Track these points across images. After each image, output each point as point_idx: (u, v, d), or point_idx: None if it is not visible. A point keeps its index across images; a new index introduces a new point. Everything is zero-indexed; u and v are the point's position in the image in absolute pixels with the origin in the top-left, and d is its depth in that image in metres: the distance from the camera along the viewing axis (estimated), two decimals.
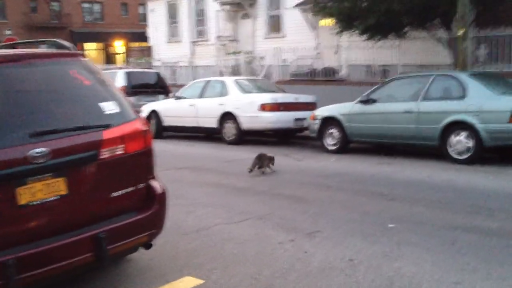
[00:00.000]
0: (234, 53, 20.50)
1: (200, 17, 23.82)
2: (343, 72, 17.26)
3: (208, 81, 13.64)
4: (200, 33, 23.96)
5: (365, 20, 13.58)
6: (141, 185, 3.92)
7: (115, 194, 3.74)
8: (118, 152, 3.72)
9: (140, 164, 3.93)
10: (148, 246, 4.05)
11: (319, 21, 19.27)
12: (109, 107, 3.82)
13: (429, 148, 9.76)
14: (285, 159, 10.19)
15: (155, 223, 3.99)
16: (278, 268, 4.29)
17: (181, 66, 23.53)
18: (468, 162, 8.88)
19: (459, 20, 11.30)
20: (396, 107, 9.89)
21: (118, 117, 3.82)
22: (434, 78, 9.68)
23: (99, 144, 3.62)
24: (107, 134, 3.69)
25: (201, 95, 13.29)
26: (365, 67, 16.67)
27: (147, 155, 3.98)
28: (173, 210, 6.29)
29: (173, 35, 25.18)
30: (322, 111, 11.20)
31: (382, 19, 13.23)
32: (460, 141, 9.00)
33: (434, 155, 9.64)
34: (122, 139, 3.76)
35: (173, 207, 6.44)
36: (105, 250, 3.54)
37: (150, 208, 3.93)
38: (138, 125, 3.94)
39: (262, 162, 8.49)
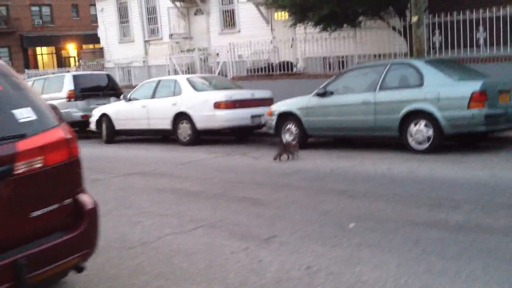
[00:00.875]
0: (188, 50, 19.95)
1: (151, 15, 23.12)
2: (299, 66, 16.95)
3: (160, 81, 13.10)
4: (153, 32, 23.28)
5: (318, 10, 13.29)
6: (68, 201, 3.45)
7: (35, 213, 3.25)
8: (36, 165, 3.24)
9: (64, 177, 3.45)
10: (80, 269, 3.57)
11: (274, 14, 18.95)
12: (24, 114, 3.33)
13: (389, 139, 9.52)
14: (242, 158, 9.80)
15: (86, 243, 3.52)
16: (230, 283, 3.88)
17: (135, 67, 22.82)
18: (429, 151, 8.67)
19: (413, 7, 11.11)
20: (353, 99, 9.60)
21: (36, 125, 3.34)
22: (390, 67, 9.43)
23: (12, 158, 3.14)
24: (21, 145, 3.20)
25: (153, 96, 12.75)
26: (322, 60, 16.40)
27: (72, 166, 3.50)
28: (118, 222, 5.85)
29: (125, 34, 24.41)
30: (279, 106, 10.84)
31: (336, 9, 12.98)
32: (420, 130, 8.77)
33: (395, 145, 9.41)
34: (40, 150, 3.28)
35: (119, 217, 6.00)
36: (25, 279, 3.07)
37: (80, 227, 3.46)
38: (61, 133, 3.46)
39: (289, 149, 9.14)
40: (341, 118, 9.75)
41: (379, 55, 14.78)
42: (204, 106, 11.62)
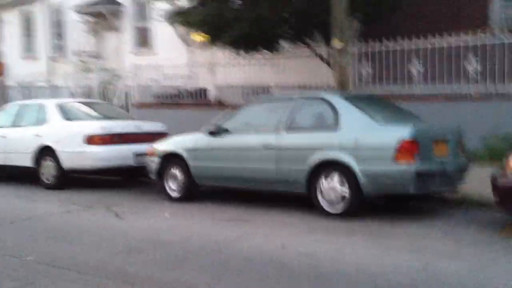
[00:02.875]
0: (92, 70, 17.36)
1: (58, 29, 20.44)
2: (212, 94, 14.74)
3: (25, 105, 10.51)
4: (59, 48, 20.56)
5: (231, 30, 11.17)
6: None
7: None
8: None
9: None
10: None
11: (191, 35, 16.72)
12: None
13: (295, 195, 7.33)
14: (102, 215, 7.34)
15: None
16: None
17: (37, 87, 19.96)
18: (345, 215, 6.53)
19: (336, 32, 9.11)
20: (252, 141, 7.38)
21: None
22: (300, 102, 7.30)
23: None
24: None
25: (13, 123, 10.14)
26: (240, 88, 14.24)
27: None
28: None
29: (29, 49, 21.57)
30: (163, 145, 8.46)
31: (250, 29, 10.89)
32: (333, 188, 6.62)
33: (306, 203, 7.20)
34: None
35: None
36: None
37: None
38: None
39: None
40: (236, 165, 7.49)
41: (304, 86, 12.79)
42: (73, 140, 9.11)
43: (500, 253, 5.06)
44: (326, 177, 6.69)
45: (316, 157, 6.72)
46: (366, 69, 10.75)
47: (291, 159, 6.97)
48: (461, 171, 6.87)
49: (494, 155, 9.18)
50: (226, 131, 7.69)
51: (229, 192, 8.34)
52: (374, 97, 8.06)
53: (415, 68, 10.23)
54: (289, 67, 12.98)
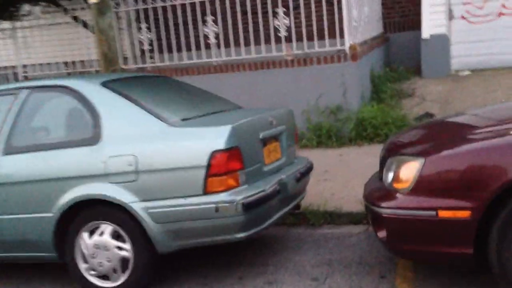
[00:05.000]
0: None
1: None
2: None
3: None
4: None
5: None
6: None
7: None
8: None
9: None
10: None
11: None
12: None
13: (41, 260, 4.18)
14: None
15: None
16: None
17: None
18: None
19: None
20: None
21: None
22: (29, 97, 4.10)
23: None
24: None
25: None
26: None
27: None
28: None
29: None
30: None
31: None
32: (103, 245, 3.69)
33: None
34: None
35: None
36: None
37: None
38: None
39: None
40: None
41: (67, 64, 9.45)
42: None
43: None
44: (89, 228, 3.74)
45: (67, 196, 3.70)
46: (146, 35, 7.81)
47: (20, 202, 3.84)
48: (304, 174, 4.45)
49: (321, 137, 7.14)
50: None
51: None
52: (160, 78, 5.10)
53: (212, 30, 7.59)
54: (42, 40, 9.47)
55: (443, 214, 2.93)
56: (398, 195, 3.12)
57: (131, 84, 4.28)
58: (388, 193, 3.21)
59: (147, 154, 3.59)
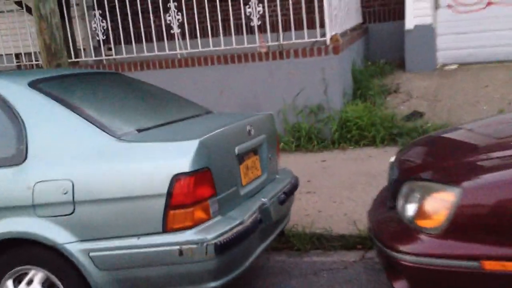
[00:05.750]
0: None
1: None
2: None
3: None
4: None
5: None
6: None
7: None
8: None
9: None
10: None
11: None
12: None
13: None
14: None
15: None
16: None
17: None
18: None
19: None
20: None
21: None
22: None
23: None
24: None
25: None
26: None
27: None
28: None
29: None
30: None
31: None
32: None
33: None
34: None
35: None
36: None
37: None
38: None
39: None
40: None
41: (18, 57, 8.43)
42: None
43: None
44: (14, 274, 2.85)
45: None
46: (101, 24, 6.84)
47: None
48: (289, 194, 3.62)
49: (300, 140, 6.35)
50: None
51: None
52: (109, 76, 4.16)
53: (176, 18, 6.69)
54: None
55: (489, 265, 2.16)
56: (424, 237, 2.33)
57: (69, 84, 3.36)
58: (410, 232, 2.41)
59: (87, 178, 2.70)
